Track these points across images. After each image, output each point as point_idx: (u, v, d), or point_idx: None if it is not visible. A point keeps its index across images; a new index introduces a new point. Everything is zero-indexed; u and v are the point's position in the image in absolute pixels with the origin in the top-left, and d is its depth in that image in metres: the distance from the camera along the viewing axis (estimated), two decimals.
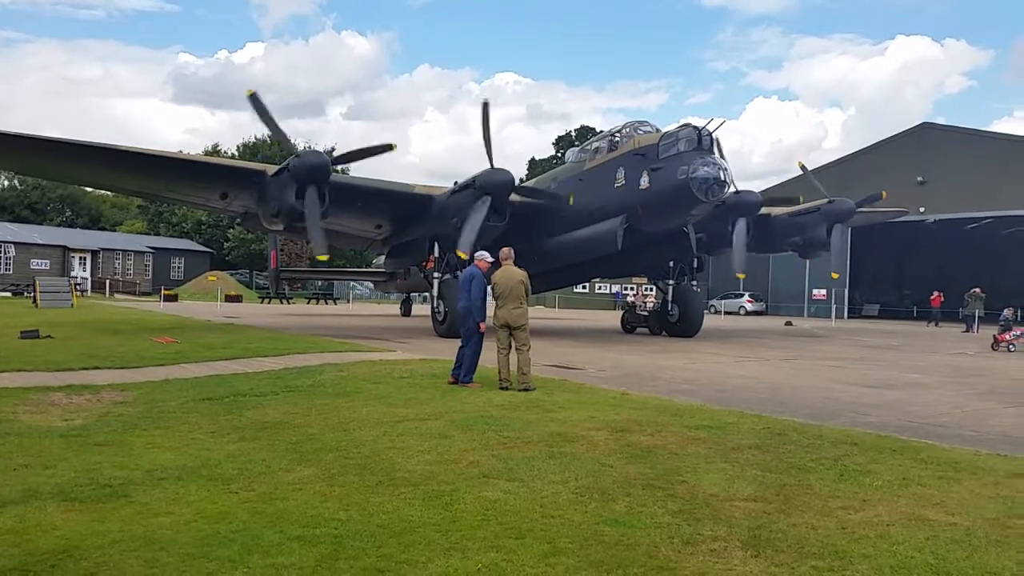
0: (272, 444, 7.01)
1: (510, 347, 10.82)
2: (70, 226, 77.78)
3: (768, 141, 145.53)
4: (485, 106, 19.53)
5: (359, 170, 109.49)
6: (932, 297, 42.65)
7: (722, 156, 19.75)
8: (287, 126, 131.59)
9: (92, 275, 61.09)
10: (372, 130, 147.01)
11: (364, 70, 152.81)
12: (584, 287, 58.15)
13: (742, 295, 53.40)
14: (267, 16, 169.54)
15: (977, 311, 34.70)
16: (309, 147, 71.77)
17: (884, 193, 26.41)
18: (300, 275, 51.77)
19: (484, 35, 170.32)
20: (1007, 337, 22.58)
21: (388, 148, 18.64)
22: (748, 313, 51.98)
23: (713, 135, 19.44)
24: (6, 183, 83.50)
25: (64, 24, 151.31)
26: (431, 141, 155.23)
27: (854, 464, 6.60)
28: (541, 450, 6.88)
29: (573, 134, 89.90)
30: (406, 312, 37.83)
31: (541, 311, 47.77)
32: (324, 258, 19.01)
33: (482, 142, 19.49)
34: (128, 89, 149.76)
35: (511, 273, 10.88)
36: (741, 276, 24.40)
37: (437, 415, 8.42)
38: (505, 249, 11.25)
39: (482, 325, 10.98)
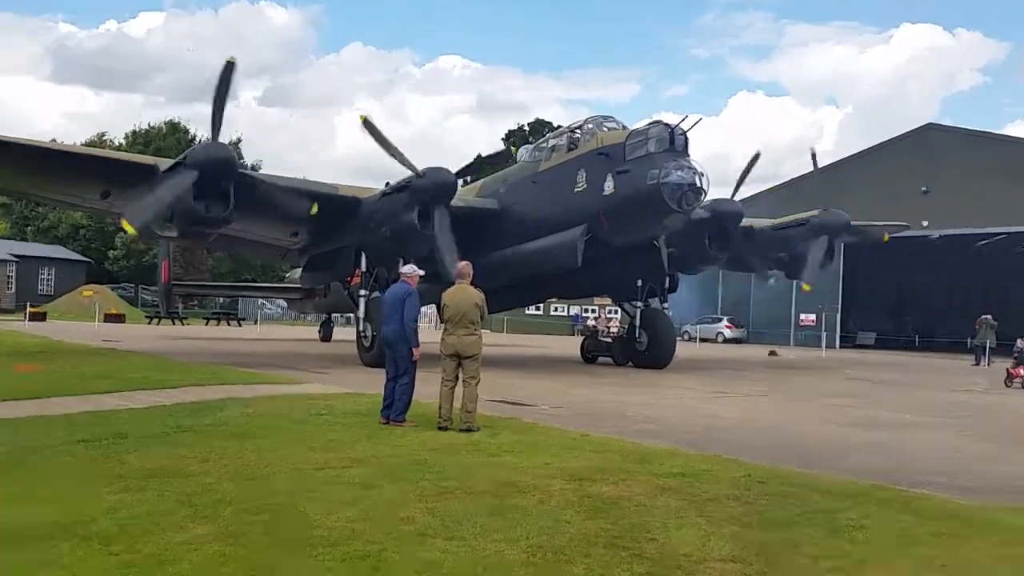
0: (161, 496, 6.90)
1: (456, 380, 10.84)
2: None
3: (753, 142, 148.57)
4: (367, 124, 20.01)
5: (272, 167, 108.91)
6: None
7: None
8: (187, 110, 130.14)
9: None
10: (292, 118, 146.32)
11: (284, 48, 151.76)
12: (537, 308, 58.35)
13: (720, 320, 54.21)
14: None
15: (988, 341, 35.47)
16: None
17: (886, 237, 27.23)
18: (198, 290, 51.04)
19: (426, 10, 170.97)
20: (1022, 372, 23.13)
21: (231, 68, 17.68)
22: (727, 340, 52.74)
23: (687, 135, 19.81)
24: None
25: None
26: (362, 134, 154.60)
27: (846, 519, 6.75)
28: (486, 502, 6.90)
29: (527, 129, 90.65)
30: (326, 336, 37.58)
31: (486, 336, 47.57)
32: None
33: (389, 152, 20.05)
34: None
35: (466, 293, 10.91)
36: (807, 288, 25.39)
37: (363, 461, 8.38)
38: (464, 264, 11.27)
39: (416, 352, 10.98)
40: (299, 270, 28.83)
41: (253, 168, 71.61)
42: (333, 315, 39.37)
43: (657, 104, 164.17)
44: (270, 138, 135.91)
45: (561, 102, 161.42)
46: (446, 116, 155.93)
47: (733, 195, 25.13)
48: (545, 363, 26.66)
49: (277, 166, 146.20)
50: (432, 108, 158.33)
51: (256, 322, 52.57)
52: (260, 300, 60.32)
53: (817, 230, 25.80)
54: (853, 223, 26.84)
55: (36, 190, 20.83)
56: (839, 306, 49.82)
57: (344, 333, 39.21)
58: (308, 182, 22.61)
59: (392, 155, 19.95)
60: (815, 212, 26.23)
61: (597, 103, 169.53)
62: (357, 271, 22.72)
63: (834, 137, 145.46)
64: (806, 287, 26.47)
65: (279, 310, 66.81)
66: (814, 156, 27.70)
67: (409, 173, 20.28)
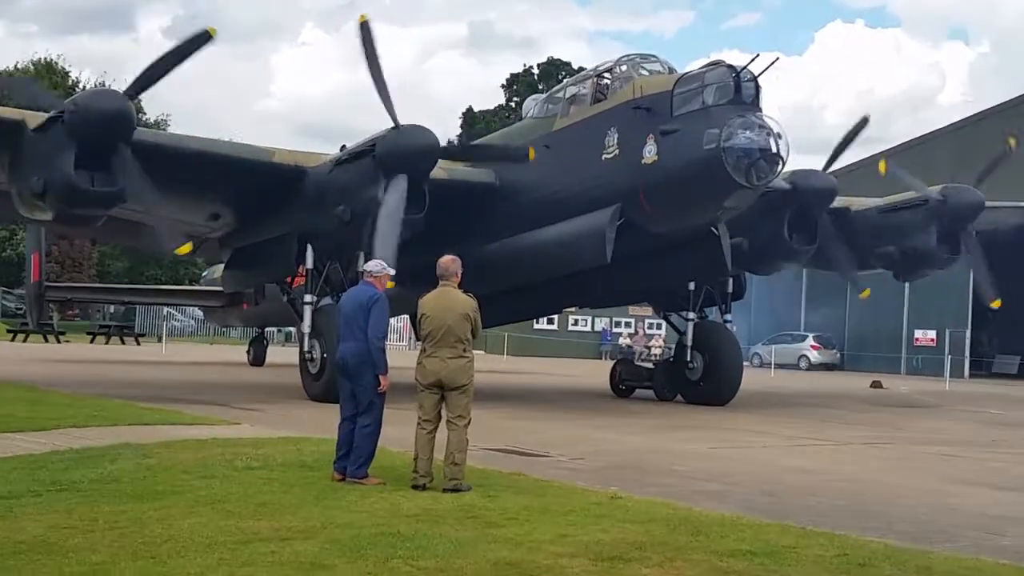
0: None
1: (438, 421, 10.81)
2: None
3: (850, 91, 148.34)
4: (364, 30, 19.71)
5: (185, 124, 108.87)
6: None
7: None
8: (73, 46, 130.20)
9: None
10: (212, 57, 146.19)
11: None
12: (551, 322, 58.40)
13: (804, 338, 54.18)
14: None
15: None
16: (103, 84, 71.24)
17: (1012, 142, 26.90)
18: (80, 295, 50.91)
19: None
20: None
21: (205, 39, 18.64)
22: (813, 367, 52.74)
23: (758, 81, 19.79)
24: None
25: None
26: (308, 79, 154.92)
27: None
28: None
29: (536, 73, 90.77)
30: (257, 359, 37.66)
31: (482, 360, 47.31)
32: (186, 250, 19.16)
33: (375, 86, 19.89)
34: None
35: (452, 301, 10.82)
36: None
37: (310, 531, 8.34)
38: (447, 258, 11.17)
39: (385, 381, 10.94)
40: (220, 267, 28.78)
41: (157, 126, 72.01)
42: (267, 329, 39.36)
43: (717, 39, 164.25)
44: (183, 85, 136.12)
45: (586, 36, 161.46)
46: (425, 54, 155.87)
47: (826, 168, 25.11)
48: (562, 397, 26.61)
49: (192, 123, 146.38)
50: (406, 43, 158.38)
51: (161, 339, 52.46)
52: (167, 309, 60.30)
53: (939, 213, 25.74)
54: (990, 203, 26.77)
55: None
56: (969, 319, 49.70)
57: (282, 354, 39.22)
58: (232, 145, 22.63)
59: (379, 91, 19.94)
60: (936, 188, 26.17)
61: (635, 38, 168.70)
62: (301, 269, 22.70)
63: (962, 84, 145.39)
64: (864, 293, 26.37)
65: (192, 323, 66.78)
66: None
67: (380, 130, 20.30)
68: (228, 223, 23.66)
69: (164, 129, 67.85)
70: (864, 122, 25.32)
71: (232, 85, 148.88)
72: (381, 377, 10.93)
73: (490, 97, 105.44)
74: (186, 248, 20.99)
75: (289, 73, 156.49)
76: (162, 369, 31.58)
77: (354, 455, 10.80)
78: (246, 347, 40.04)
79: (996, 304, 27.10)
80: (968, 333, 50.59)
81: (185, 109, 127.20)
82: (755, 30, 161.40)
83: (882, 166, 27.49)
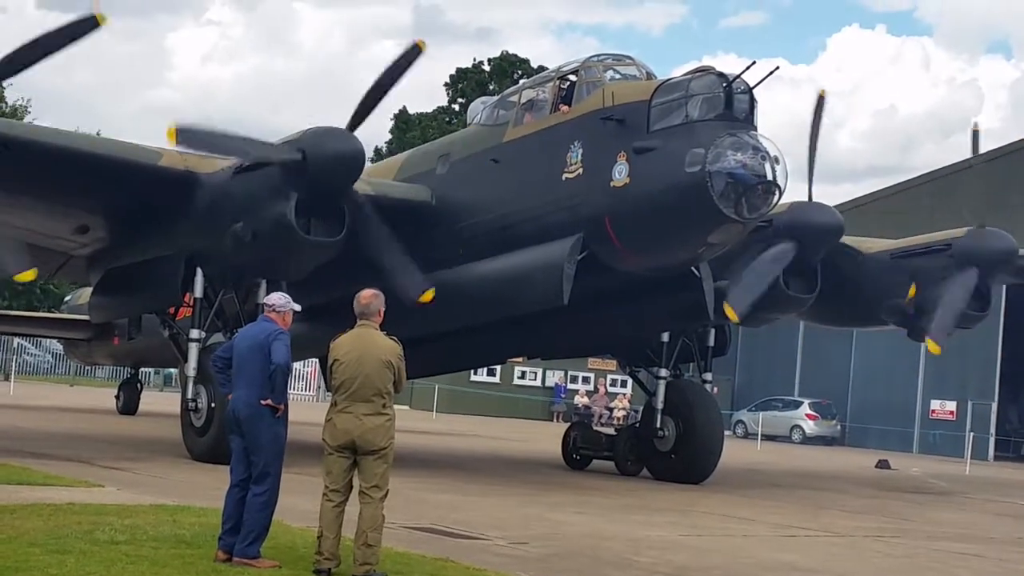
0: None
1: (349, 491, 10.78)
2: None
3: (867, 109, 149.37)
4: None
5: (55, 114, 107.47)
6: None
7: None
8: None
9: None
10: (95, 36, 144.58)
11: None
12: (492, 373, 58.36)
13: (798, 405, 54.45)
14: None
15: None
16: None
17: None
18: None
19: None
20: None
21: (93, 25, 18.76)
22: (808, 439, 53.00)
23: (753, 93, 19.96)
24: None
25: None
26: (213, 64, 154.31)
27: None
28: None
29: (487, 69, 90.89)
30: (128, 405, 37.38)
31: (405, 417, 47.05)
32: (29, 276, 19.03)
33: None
34: None
35: (372, 344, 10.78)
36: (935, 350, 25.33)
37: None
38: (368, 293, 11.13)
39: (279, 408, 10.90)
40: (87, 291, 28.53)
41: (15, 114, 71.19)
42: (142, 370, 39.01)
43: (709, 40, 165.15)
44: (58, 68, 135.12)
45: (554, 28, 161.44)
46: (358, 42, 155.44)
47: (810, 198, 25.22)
48: (503, 466, 26.60)
49: (64, 114, 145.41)
50: (336, 28, 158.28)
51: (8, 377, 51.92)
52: (17, 340, 59.71)
53: (963, 260, 25.91)
54: None
55: None
56: (996, 390, 50.06)
57: (160, 401, 38.95)
58: (108, 141, 22.50)
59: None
60: (960, 232, 26.40)
61: (614, 34, 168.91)
62: (188, 298, 22.58)
63: (1003, 107, 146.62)
64: (934, 348, 26.43)
65: (49, 358, 66.12)
66: (976, 137, 27.99)
67: (292, 133, 20.36)
68: (99, 238, 23.44)
69: (21, 118, 67.07)
70: (820, 101, 25.25)
71: (120, 70, 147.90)
72: (276, 405, 10.90)
73: (430, 97, 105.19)
74: (29, 275, 20.54)
75: (190, 57, 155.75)
76: (9, 415, 31.12)
77: (244, 530, 10.70)
78: (115, 391, 39.60)
79: (935, 350, 27.01)
80: (995, 407, 50.97)
81: (53, 95, 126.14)
82: (758, 31, 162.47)
83: (933, 348, 26.59)
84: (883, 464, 39.01)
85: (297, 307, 11.55)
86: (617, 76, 21.76)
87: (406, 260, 20.71)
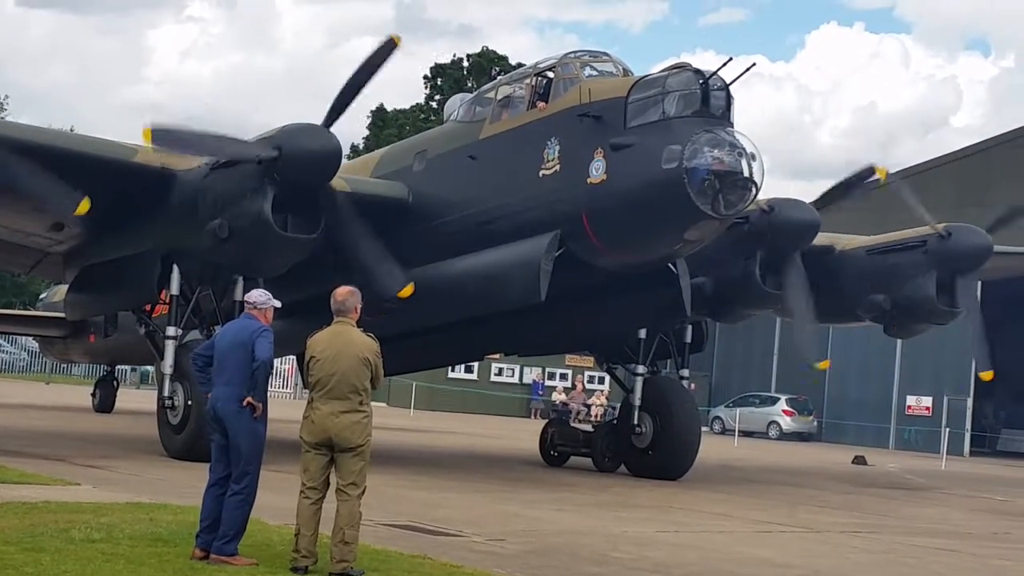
0: None
1: (326, 489, 10.77)
2: None
3: (847, 106, 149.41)
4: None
5: (33, 112, 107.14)
6: None
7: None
8: None
9: None
10: (72, 27, 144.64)
11: None
12: (469, 370, 58.26)
13: (775, 401, 54.53)
14: None
15: None
16: None
17: None
18: None
19: None
20: None
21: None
22: (785, 435, 53.10)
23: (730, 89, 19.99)
24: None
25: None
26: (192, 60, 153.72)
27: None
28: None
29: (465, 66, 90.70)
30: (105, 403, 37.26)
31: (383, 414, 46.95)
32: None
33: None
34: None
35: (349, 341, 10.78)
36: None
37: None
38: (344, 290, 11.10)
39: (258, 408, 10.88)
40: (63, 288, 28.42)
41: None
42: (119, 368, 38.88)
43: (688, 37, 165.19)
44: (36, 63, 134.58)
45: (536, 25, 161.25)
46: (338, 38, 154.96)
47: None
48: (480, 463, 26.58)
49: (43, 111, 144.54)
50: (317, 24, 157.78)
51: None
52: None
53: (939, 257, 26.08)
54: (1000, 248, 27.15)
55: None
56: (972, 386, 50.16)
57: (136, 398, 38.81)
58: (83, 139, 22.38)
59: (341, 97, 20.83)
60: (934, 228, 26.44)
61: (594, 31, 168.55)
62: (164, 295, 22.51)
63: (981, 104, 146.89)
64: (986, 375, 26.52)
65: (25, 356, 65.93)
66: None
67: (269, 129, 20.33)
68: (75, 235, 23.34)
69: None
70: (869, 172, 25.47)
71: (98, 65, 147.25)
72: (254, 404, 10.88)
73: (408, 94, 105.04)
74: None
75: (169, 52, 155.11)
76: None
77: (221, 528, 10.68)
78: (91, 388, 39.57)
79: (987, 376, 27.36)
80: (970, 402, 51.10)
81: (29, 92, 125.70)
82: (739, 28, 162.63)
83: (881, 173, 26.91)
84: (860, 460, 39.11)
85: (278, 303, 11.53)
86: (594, 73, 21.74)
87: (384, 255, 20.70)
